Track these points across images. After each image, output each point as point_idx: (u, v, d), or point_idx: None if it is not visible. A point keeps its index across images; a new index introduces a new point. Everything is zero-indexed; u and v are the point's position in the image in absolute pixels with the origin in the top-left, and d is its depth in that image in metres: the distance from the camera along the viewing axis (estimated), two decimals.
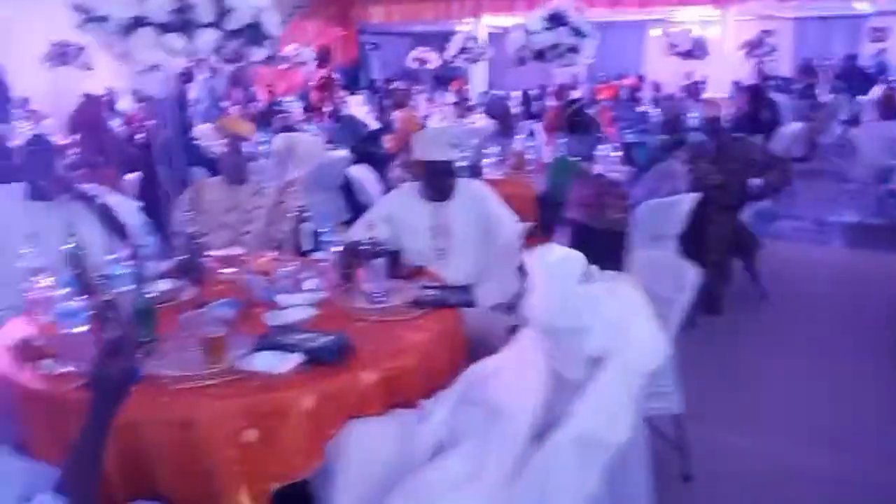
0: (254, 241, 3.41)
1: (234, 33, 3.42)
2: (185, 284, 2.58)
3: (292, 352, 1.92)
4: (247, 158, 3.55)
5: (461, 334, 2.31)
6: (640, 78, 15.04)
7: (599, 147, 4.88)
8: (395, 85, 10.52)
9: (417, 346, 2.10)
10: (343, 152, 6.17)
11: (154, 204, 3.96)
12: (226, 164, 3.51)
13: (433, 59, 12.46)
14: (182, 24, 3.25)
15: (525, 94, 8.89)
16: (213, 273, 2.79)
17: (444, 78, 13.99)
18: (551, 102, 8.85)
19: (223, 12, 3.34)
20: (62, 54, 8.10)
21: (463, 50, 9.76)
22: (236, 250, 3.04)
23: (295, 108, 7.19)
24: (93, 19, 3.22)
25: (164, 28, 3.22)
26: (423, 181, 2.99)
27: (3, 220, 2.95)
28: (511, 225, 3.02)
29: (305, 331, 2.07)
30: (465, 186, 3.04)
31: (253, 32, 3.51)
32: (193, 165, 5.15)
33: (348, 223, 5.10)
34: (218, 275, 2.77)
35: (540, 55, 5.68)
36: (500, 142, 5.65)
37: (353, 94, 11.24)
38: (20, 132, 6.52)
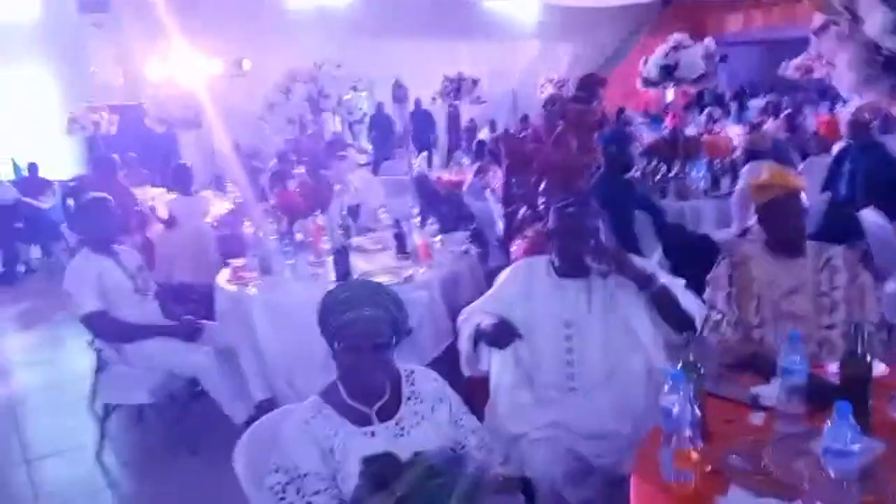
0: (839, 338, 2.38)
1: None
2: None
3: None
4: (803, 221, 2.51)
5: None
6: None
7: None
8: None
9: None
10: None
11: None
12: (775, 229, 2.51)
13: (819, 68, 10.52)
14: None
15: None
16: None
17: (826, 90, 11.89)
18: None
19: None
20: (456, 89, 8.07)
21: None
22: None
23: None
24: None
25: None
26: None
27: (528, 303, 2.30)
28: None
29: None
30: None
31: None
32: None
33: None
34: None
35: None
36: None
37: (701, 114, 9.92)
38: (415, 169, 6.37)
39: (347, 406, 1.75)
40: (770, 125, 7.67)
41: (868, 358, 1.68)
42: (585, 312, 2.25)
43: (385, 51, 10.74)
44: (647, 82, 5.64)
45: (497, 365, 2.27)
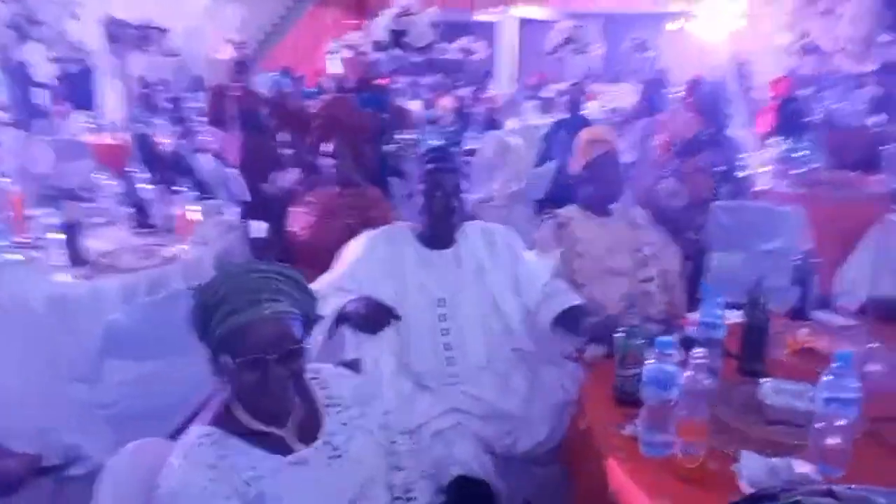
0: (659, 290, 2.54)
1: None
2: None
3: None
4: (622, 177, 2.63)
5: None
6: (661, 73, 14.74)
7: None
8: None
9: None
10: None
11: None
12: (591, 188, 2.59)
13: (481, 50, 11.52)
14: None
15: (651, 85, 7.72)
16: None
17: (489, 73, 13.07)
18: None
19: None
20: (141, 38, 6.86)
21: (567, 41, 8.69)
22: None
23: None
24: None
25: None
26: None
27: (394, 279, 2.01)
28: None
29: None
30: None
31: None
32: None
33: None
34: None
35: None
36: None
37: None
38: None
39: (255, 432, 1.29)
40: (467, 98, 8.18)
41: (766, 309, 1.80)
42: (457, 290, 2.04)
43: None
44: (379, 46, 5.50)
45: (371, 353, 1.93)
